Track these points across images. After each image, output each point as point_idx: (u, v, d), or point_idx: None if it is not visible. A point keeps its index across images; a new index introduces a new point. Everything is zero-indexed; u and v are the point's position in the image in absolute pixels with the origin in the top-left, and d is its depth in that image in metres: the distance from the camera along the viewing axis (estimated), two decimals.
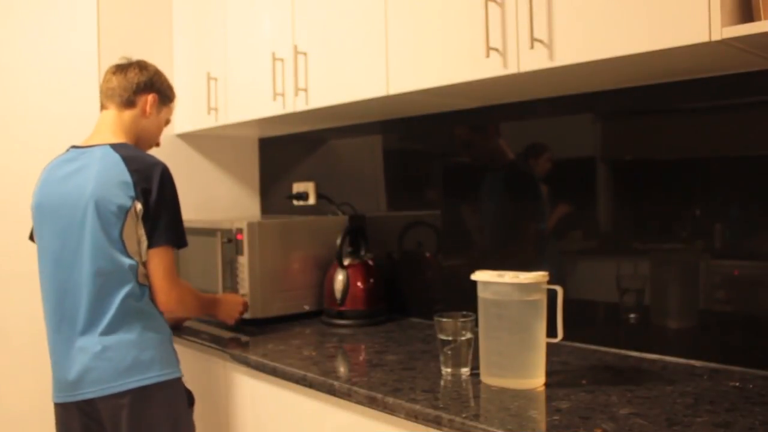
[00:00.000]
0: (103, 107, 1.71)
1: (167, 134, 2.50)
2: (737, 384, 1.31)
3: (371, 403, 1.33)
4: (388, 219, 2.25)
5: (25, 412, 2.30)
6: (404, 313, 2.15)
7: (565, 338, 1.37)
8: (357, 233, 2.17)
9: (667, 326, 1.56)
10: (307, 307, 2.15)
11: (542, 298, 1.35)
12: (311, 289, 2.16)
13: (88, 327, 1.49)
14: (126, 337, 1.49)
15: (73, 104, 2.35)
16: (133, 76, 1.69)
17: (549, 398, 1.27)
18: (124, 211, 1.49)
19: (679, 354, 1.51)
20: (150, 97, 1.70)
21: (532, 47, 1.34)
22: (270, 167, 2.81)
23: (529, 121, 1.81)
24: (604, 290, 1.65)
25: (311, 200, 2.57)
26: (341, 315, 2.04)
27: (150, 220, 1.52)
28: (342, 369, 1.57)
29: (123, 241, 1.50)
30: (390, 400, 1.29)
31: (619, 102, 1.61)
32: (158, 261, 1.54)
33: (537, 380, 1.35)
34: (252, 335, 1.94)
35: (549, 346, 1.36)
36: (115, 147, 1.57)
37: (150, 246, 1.53)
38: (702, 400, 1.22)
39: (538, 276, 1.34)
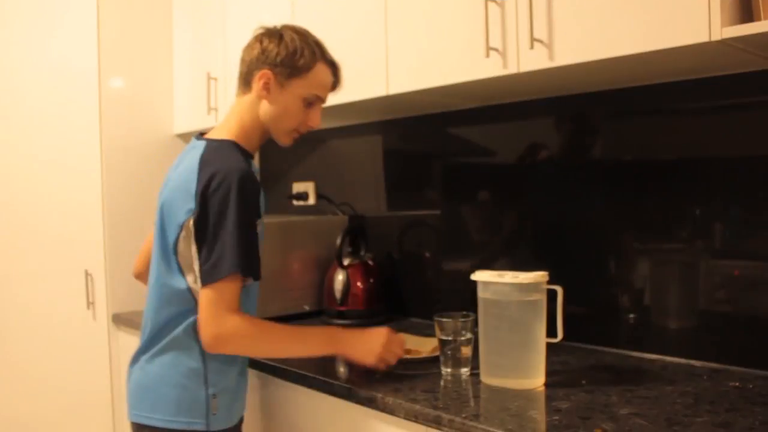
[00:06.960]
0: None
1: (167, 134, 2.51)
2: (737, 384, 1.31)
3: (371, 403, 1.33)
4: (388, 219, 2.25)
5: (23, 413, 2.30)
6: (404, 313, 2.14)
7: (565, 338, 1.37)
8: (357, 233, 2.16)
9: (667, 326, 1.55)
10: (307, 307, 2.14)
11: (542, 298, 1.35)
12: (311, 289, 2.15)
13: None
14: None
15: (72, 104, 2.35)
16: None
17: (549, 398, 1.27)
18: None
19: (679, 354, 1.50)
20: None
21: (531, 47, 1.34)
22: (270, 167, 2.81)
23: (529, 121, 1.81)
24: (604, 290, 1.65)
25: (311, 200, 2.56)
26: (341, 315, 2.03)
27: None
28: (342, 369, 1.57)
29: None
30: (390, 400, 1.29)
31: (619, 102, 1.61)
32: None
33: (537, 380, 1.35)
34: None
35: (549, 346, 1.36)
36: None
37: None
38: (702, 400, 1.22)
39: (538, 276, 1.34)
